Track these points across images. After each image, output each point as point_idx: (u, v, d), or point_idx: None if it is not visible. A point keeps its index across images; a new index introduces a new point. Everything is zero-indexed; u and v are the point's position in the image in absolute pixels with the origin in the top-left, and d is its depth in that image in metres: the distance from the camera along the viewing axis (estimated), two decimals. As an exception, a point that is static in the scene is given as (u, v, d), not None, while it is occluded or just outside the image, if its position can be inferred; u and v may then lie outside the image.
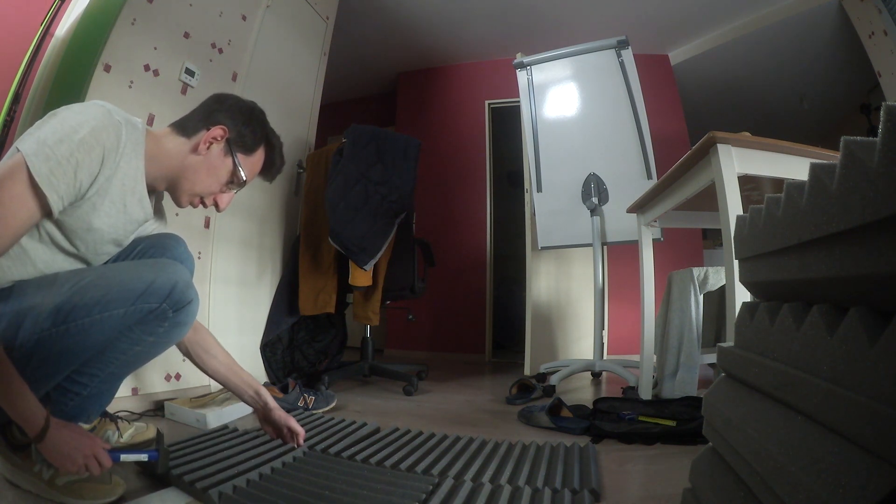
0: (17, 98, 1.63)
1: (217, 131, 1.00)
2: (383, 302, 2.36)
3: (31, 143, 0.80)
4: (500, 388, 2.38)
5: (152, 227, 1.09)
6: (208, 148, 1.00)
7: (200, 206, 1.06)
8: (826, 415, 0.38)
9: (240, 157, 1.04)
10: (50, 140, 0.80)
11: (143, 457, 0.93)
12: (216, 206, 1.07)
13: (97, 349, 0.90)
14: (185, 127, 1.02)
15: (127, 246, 1.03)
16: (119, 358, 0.94)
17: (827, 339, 0.40)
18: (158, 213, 1.12)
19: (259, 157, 1.08)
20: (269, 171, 1.12)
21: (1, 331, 0.82)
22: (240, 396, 1.16)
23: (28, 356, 0.83)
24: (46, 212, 0.82)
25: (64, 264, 0.92)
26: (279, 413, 1.14)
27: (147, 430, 1.27)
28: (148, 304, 0.89)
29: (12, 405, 0.77)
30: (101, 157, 0.86)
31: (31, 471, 0.89)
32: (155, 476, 1.00)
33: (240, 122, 1.03)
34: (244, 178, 1.05)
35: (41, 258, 0.89)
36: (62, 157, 0.80)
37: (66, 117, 0.84)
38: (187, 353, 1.13)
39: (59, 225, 0.87)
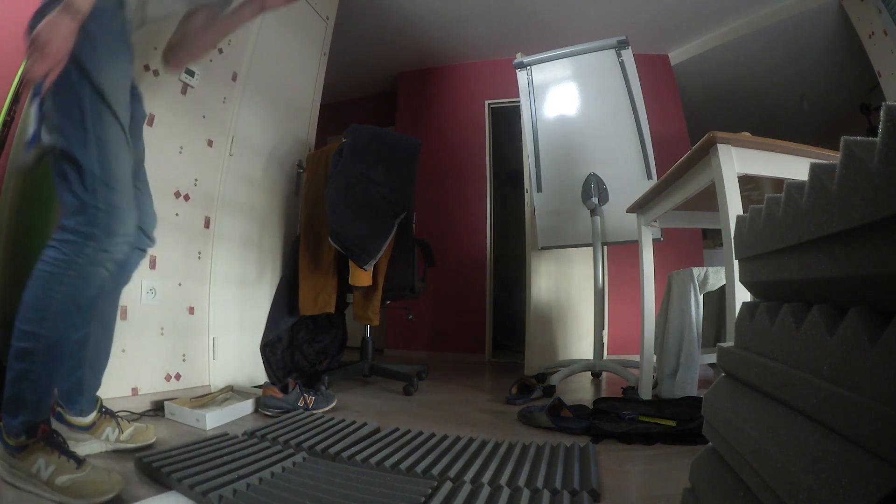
0: (17, 98, 1.63)
1: None
2: (383, 302, 2.36)
3: None
4: (500, 388, 2.38)
5: None
6: None
7: None
8: (826, 415, 0.38)
9: None
10: None
11: None
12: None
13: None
14: None
15: None
16: (57, 289, 0.92)
17: (827, 339, 0.40)
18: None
19: None
20: None
21: None
22: None
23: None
24: None
25: None
26: None
27: (146, 430, 1.27)
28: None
29: None
30: None
31: (28, 472, 0.89)
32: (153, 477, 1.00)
33: None
34: None
35: None
36: None
37: None
38: None
39: None
